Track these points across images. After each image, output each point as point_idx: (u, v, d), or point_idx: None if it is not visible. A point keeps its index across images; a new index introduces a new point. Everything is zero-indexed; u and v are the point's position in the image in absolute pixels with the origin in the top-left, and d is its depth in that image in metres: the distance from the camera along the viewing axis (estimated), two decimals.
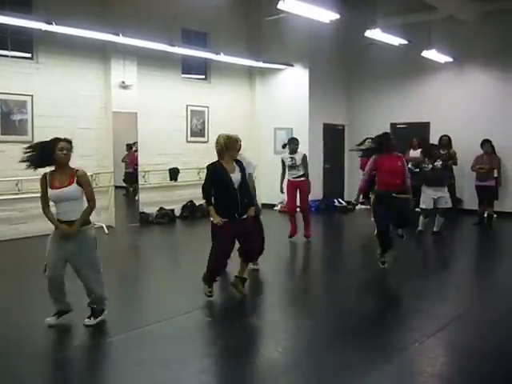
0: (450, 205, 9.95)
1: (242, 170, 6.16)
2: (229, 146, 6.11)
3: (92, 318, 5.39)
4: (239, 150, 6.40)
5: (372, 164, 7.58)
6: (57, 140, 5.24)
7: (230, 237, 6.09)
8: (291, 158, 9.68)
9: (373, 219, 7.96)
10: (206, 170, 6.22)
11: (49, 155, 5.19)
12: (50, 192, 5.18)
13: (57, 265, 5.22)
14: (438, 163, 9.95)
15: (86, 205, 5.34)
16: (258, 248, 6.88)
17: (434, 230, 9.98)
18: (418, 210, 10.20)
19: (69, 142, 5.29)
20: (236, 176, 6.06)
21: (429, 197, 9.81)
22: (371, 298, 6.74)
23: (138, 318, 5.87)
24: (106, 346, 4.98)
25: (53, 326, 5.27)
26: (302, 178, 9.75)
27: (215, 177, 6.06)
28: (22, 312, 5.96)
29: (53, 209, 5.33)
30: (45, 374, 4.61)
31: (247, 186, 6.26)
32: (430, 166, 9.91)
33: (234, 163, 6.16)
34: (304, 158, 9.73)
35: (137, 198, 12.58)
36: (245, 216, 6.13)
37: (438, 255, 9.22)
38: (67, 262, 5.28)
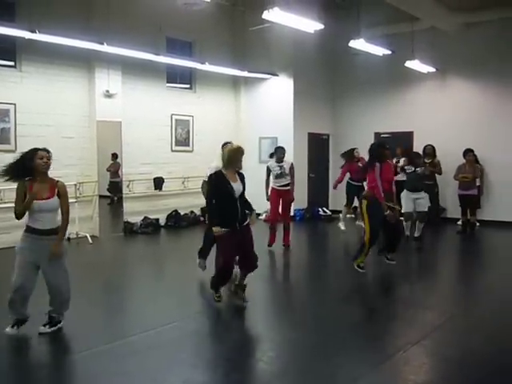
0: (425, 208, 10.13)
1: (243, 180, 6.28)
2: (233, 159, 6.18)
3: (48, 326, 5.41)
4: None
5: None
6: (35, 149, 5.28)
7: (232, 244, 6.13)
8: (279, 166, 9.74)
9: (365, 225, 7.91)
10: (208, 180, 6.37)
11: (28, 164, 5.20)
12: (34, 202, 5.18)
13: (29, 273, 5.28)
14: (420, 169, 10.14)
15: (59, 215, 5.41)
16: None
17: (415, 235, 10.15)
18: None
19: (47, 151, 5.32)
20: (237, 186, 6.17)
21: (408, 200, 10.01)
22: (355, 307, 6.75)
23: (123, 328, 5.83)
24: (88, 357, 4.91)
25: (14, 335, 5.26)
26: (287, 188, 9.79)
27: (217, 185, 6.13)
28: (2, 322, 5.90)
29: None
30: None
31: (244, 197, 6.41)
32: (412, 169, 10.11)
33: (236, 174, 6.25)
34: (292, 166, 9.83)
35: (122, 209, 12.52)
36: (245, 223, 6.24)
37: (421, 263, 9.26)
38: (38, 269, 5.34)
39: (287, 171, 9.73)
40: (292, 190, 9.85)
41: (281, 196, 9.84)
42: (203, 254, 7.83)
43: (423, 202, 10.11)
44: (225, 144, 7.86)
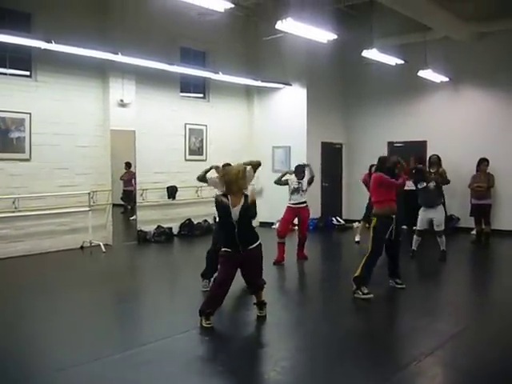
0: (442, 228, 9.78)
1: (246, 204, 5.96)
2: (230, 182, 5.95)
3: None
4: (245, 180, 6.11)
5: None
6: None
7: (230, 265, 5.97)
8: (299, 182, 9.75)
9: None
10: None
11: None
12: None
13: None
14: (431, 184, 9.92)
15: None
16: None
17: (442, 248, 9.90)
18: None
19: None
20: (235, 211, 5.89)
21: (424, 218, 9.80)
22: (369, 317, 6.71)
23: (136, 337, 5.83)
24: (101, 365, 4.92)
25: None
26: (303, 205, 9.79)
27: (218, 207, 5.98)
28: (15, 330, 5.93)
29: None
30: None
31: (249, 217, 6.08)
32: (424, 184, 9.90)
33: (243, 197, 5.98)
34: (310, 179, 9.96)
35: (133, 217, 12.54)
36: (253, 246, 6.00)
37: (436, 273, 9.19)
38: None
39: (304, 188, 9.78)
40: (307, 208, 9.88)
41: (297, 213, 9.80)
42: (205, 275, 7.57)
43: (438, 221, 9.73)
44: (224, 166, 7.77)
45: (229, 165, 7.66)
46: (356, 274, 7.23)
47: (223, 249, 6.02)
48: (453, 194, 12.68)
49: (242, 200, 5.95)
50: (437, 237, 9.80)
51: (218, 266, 6.28)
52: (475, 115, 13.30)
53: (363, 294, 7.15)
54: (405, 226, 12.52)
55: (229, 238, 5.96)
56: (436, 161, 12.48)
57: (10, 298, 7.36)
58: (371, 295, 7.12)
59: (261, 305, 6.34)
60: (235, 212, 5.89)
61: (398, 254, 7.67)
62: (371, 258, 7.26)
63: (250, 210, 6.01)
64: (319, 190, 14.60)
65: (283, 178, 9.83)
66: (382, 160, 7.79)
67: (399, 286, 7.70)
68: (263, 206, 13.51)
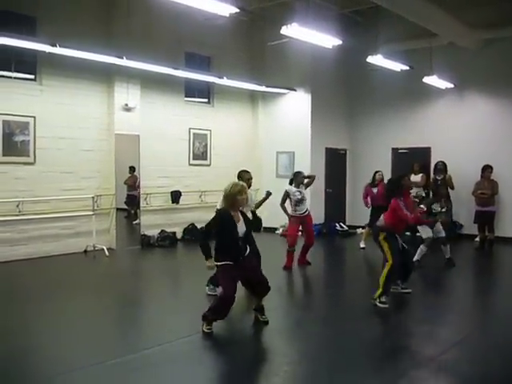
0: (443, 234, 9.68)
1: (247, 221, 6.07)
2: (231, 203, 5.99)
3: None
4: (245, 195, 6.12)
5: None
6: None
7: (233, 276, 5.93)
8: (299, 191, 9.61)
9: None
10: (215, 214, 6.17)
11: None
12: None
13: None
14: (437, 206, 9.73)
15: None
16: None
17: (447, 257, 9.81)
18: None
19: None
20: (241, 227, 5.97)
21: (426, 227, 9.68)
22: (372, 323, 6.67)
23: (138, 341, 5.82)
24: (103, 369, 4.90)
25: None
26: (307, 213, 9.74)
27: (223, 223, 5.96)
28: (19, 334, 5.92)
29: None
30: None
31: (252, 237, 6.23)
32: (439, 209, 9.69)
33: (239, 214, 6.04)
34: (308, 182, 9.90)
35: (136, 221, 12.52)
36: (248, 250, 6.13)
37: (439, 280, 9.16)
38: None
39: (306, 196, 9.72)
40: (311, 216, 9.84)
41: (303, 222, 9.74)
42: (215, 281, 7.37)
43: (438, 229, 9.64)
44: (240, 172, 7.75)
45: (246, 172, 7.70)
46: (378, 292, 7.03)
47: (223, 262, 5.92)
48: (457, 201, 12.63)
49: (241, 216, 6.03)
50: (441, 245, 9.74)
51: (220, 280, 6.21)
52: (480, 122, 13.27)
53: (380, 302, 7.00)
54: (408, 233, 12.48)
55: (231, 250, 5.93)
56: (442, 167, 12.45)
57: (13, 301, 7.36)
58: (386, 306, 6.96)
59: (262, 309, 6.30)
60: (241, 228, 5.95)
61: (411, 259, 7.80)
62: (392, 270, 7.07)
63: (254, 223, 6.17)
64: (323, 196, 14.59)
65: (283, 201, 9.68)
66: (393, 182, 7.83)
67: (405, 291, 7.63)
68: (266, 212, 13.53)
